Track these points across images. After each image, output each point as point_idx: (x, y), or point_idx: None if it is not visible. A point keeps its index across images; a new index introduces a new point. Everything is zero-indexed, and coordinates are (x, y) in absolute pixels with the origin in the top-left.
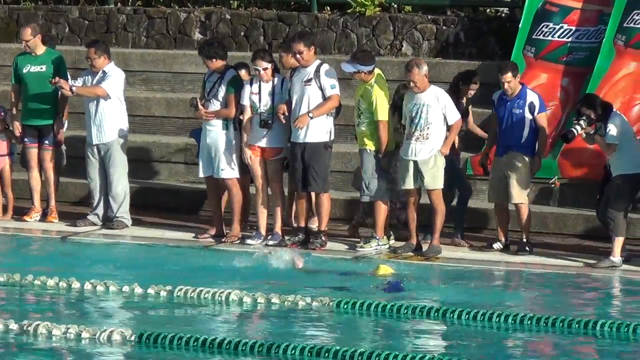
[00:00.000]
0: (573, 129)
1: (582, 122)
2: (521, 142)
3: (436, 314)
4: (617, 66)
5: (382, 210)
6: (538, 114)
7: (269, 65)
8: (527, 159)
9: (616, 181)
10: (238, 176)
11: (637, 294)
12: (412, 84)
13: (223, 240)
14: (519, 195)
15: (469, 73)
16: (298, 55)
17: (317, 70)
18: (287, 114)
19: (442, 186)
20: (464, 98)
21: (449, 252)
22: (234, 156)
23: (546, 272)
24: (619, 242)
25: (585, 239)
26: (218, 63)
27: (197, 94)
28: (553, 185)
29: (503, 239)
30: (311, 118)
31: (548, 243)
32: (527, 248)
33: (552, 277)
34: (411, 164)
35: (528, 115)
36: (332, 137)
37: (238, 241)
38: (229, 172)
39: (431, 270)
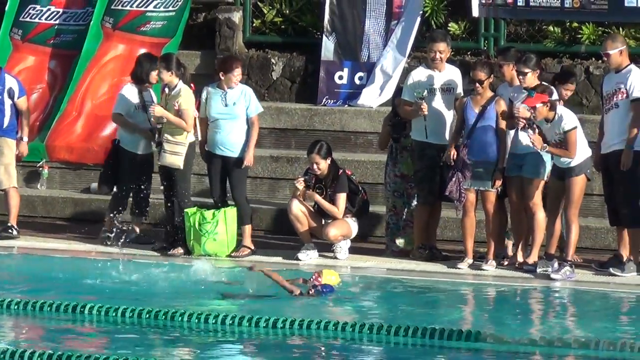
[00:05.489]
0: None
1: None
2: (4, 127)
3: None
4: (105, 48)
5: None
6: (19, 98)
7: None
8: (11, 142)
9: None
10: None
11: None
12: None
13: None
14: (8, 181)
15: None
16: None
17: None
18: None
19: None
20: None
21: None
22: None
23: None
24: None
25: (73, 222)
26: None
27: None
28: (41, 169)
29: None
30: None
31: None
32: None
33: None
34: None
35: (8, 100)
36: None
37: None
38: None
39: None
